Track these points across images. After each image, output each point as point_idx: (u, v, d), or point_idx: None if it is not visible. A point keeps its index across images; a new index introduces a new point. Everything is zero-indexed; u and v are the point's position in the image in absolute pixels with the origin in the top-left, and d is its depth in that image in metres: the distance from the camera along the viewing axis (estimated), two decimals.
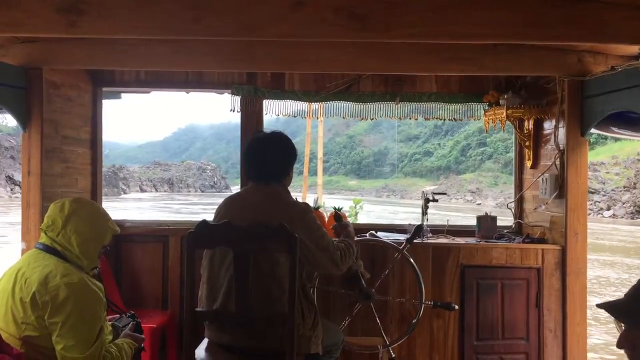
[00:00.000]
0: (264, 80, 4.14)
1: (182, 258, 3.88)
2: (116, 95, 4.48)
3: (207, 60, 3.53)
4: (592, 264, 13.35)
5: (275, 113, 4.20)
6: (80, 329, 2.12)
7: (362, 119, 4.27)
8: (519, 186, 4.31)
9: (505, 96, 3.87)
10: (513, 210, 4.33)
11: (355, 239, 2.93)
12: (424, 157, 70.93)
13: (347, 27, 2.47)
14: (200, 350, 2.53)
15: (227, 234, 2.34)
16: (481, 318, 3.77)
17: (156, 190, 58.54)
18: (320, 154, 6.50)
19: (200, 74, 4.14)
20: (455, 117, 4.21)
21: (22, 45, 3.42)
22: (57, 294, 2.12)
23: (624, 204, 31.63)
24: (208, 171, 66.71)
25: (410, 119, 4.35)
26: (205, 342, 2.58)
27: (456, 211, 29.39)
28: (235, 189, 4.55)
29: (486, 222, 4.08)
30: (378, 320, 3.40)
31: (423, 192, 4.13)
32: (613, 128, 3.52)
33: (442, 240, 3.99)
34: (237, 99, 4.12)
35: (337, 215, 3.17)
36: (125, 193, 51.27)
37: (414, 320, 3.44)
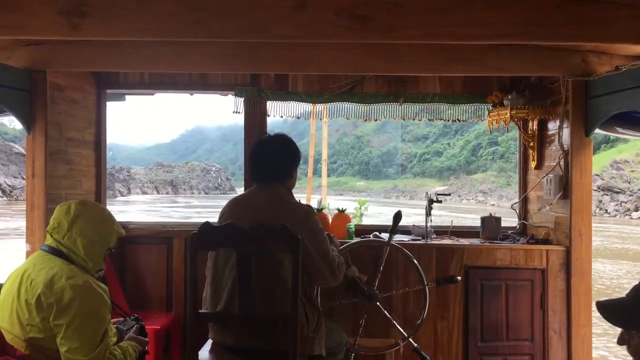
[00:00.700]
0: (267, 82, 4.15)
1: (186, 260, 3.88)
2: (120, 97, 4.50)
3: (210, 61, 3.54)
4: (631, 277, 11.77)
5: (279, 114, 4.20)
6: (85, 331, 2.13)
7: (366, 120, 4.27)
8: (524, 187, 4.30)
9: (509, 97, 3.85)
10: (517, 211, 4.31)
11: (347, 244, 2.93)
12: (434, 157, 70.31)
13: (349, 28, 2.47)
14: (204, 352, 2.54)
15: (230, 235, 2.34)
16: (485, 319, 3.76)
17: (158, 193, 57.96)
18: (324, 156, 6.50)
19: (203, 76, 4.15)
20: (460, 117, 4.21)
21: (26, 48, 3.45)
22: (62, 296, 2.12)
23: None
24: (212, 172, 66.37)
25: (414, 119, 4.34)
26: (209, 343, 2.59)
27: (467, 212, 28.51)
28: (240, 190, 4.56)
29: (490, 223, 4.06)
30: (390, 317, 3.40)
31: (427, 193, 4.13)
32: (618, 128, 3.51)
33: (446, 241, 3.98)
34: (241, 100, 4.13)
35: None
36: (122, 195, 50.47)
37: (426, 304, 3.41)
